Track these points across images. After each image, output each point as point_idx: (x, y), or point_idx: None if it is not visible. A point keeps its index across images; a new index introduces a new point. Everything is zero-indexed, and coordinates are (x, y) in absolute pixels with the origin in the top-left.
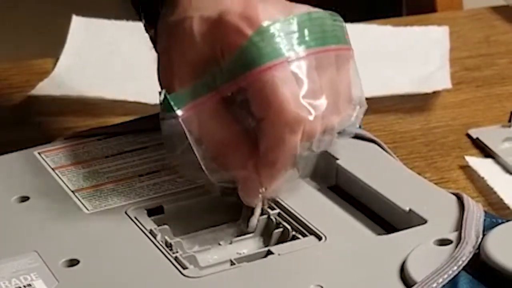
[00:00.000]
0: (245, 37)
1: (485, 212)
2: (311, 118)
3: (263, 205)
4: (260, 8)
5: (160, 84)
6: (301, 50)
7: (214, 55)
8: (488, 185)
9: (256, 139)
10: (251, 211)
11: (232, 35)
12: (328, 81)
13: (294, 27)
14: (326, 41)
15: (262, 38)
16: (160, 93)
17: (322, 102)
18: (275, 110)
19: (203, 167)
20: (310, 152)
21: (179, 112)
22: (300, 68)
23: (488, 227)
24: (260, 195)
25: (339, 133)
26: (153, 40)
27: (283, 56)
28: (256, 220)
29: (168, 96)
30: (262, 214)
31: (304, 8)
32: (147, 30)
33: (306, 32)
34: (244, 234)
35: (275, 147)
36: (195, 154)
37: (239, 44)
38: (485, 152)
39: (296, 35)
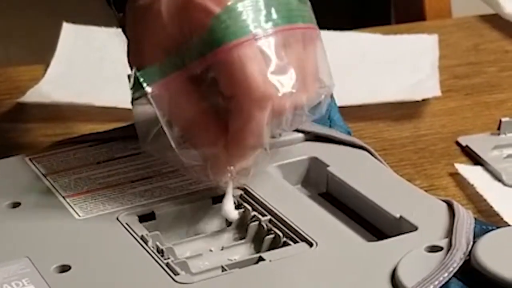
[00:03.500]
0: (212, 16)
1: (475, 219)
2: (279, 94)
3: (234, 187)
4: None
5: (130, 68)
6: (268, 28)
7: (183, 36)
8: (477, 192)
9: (225, 118)
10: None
11: (199, 14)
12: (295, 58)
13: (261, 5)
14: (292, 19)
15: (229, 16)
16: (129, 76)
17: (290, 79)
18: (242, 87)
19: (173, 145)
20: (281, 131)
21: (148, 89)
22: (267, 45)
23: (478, 234)
24: (228, 174)
25: (309, 113)
26: (122, 25)
27: (250, 33)
28: (230, 202)
29: (137, 74)
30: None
31: None
32: (115, 15)
33: (273, 10)
34: (236, 240)
35: (243, 124)
36: (165, 133)
37: (207, 23)
38: (475, 159)
39: (263, 12)
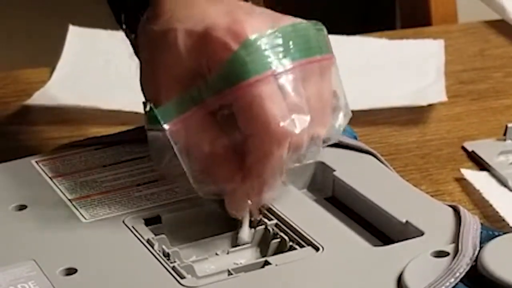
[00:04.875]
0: (231, 52)
1: (482, 224)
2: (297, 131)
3: (251, 217)
4: (245, 22)
5: (144, 94)
6: (286, 63)
7: (200, 70)
8: (483, 197)
9: (242, 152)
10: (240, 223)
11: (218, 50)
12: (313, 92)
13: (279, 40)
14: (310, 52)
15: (248, 53)
16: (144, 104)
17: (308, 115)
18: (262, 125)
19: (190, 180)
20: (297, 164)
21: (166, 126)
22: (286, 81)
23: (484, 239)
24: (246, 208)
25: (324, 142)
26: (134, 45)
27: (269, 70)
28: (246, 232)
29: (155, 110)
30: (252, 225)
31: (289, 20)
32: (127, 34)
33: (291, 44)
34: (242, 245)
35: (262, 160)
36: (182, 167)
37: (226, 59)
38: (481, 165)
39: (281, 48)
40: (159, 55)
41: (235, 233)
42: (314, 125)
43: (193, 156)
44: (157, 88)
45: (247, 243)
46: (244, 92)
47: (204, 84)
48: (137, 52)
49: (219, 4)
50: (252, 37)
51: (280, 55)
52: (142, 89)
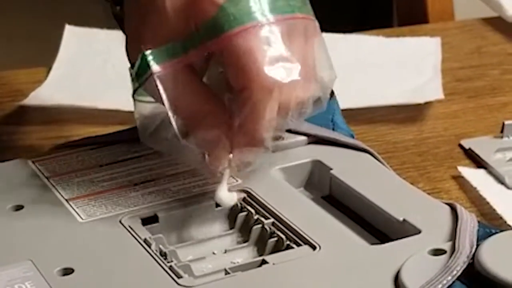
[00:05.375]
0: (217, 7)
1: (479, 222)
2: (285, 81)
3: (229, 173)
4: None
5: (128, 57)
6: (272, 16)
7: (189, 29)
8: (480, 195)
9: (228, 105)
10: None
11: (205, 6)
12: (298, 48)
13: None
14: (295, 9)
15: (233, 4)
16: (130, 69)
17: (295, 67)
18: (251, 74)
19: (175, 128)
20: (284, 128)
21: (155, 68)
22: (271, 33)
23: (482, 237)
24: (227, 162)
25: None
26: (118, 18)
27: (255, 20)
28: (224, 191)
29: (145, 53)
30: (231, 190)
31: None
32: (112, 8)
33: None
34: (239, 244)
35: (252, 111)
36: (167, 123)
37: (212, 13)
38: (478, 162)
39: (265, 2)
40: (146, 21)
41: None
42: (300, 82)
43: (178, 105)
44: (142, 47)
45: (226, 205)
46: (230, 41)
47: (190, 38)
48: (122, 26)
49: None
50: None
51: (265, 8)
52: (128, 56)
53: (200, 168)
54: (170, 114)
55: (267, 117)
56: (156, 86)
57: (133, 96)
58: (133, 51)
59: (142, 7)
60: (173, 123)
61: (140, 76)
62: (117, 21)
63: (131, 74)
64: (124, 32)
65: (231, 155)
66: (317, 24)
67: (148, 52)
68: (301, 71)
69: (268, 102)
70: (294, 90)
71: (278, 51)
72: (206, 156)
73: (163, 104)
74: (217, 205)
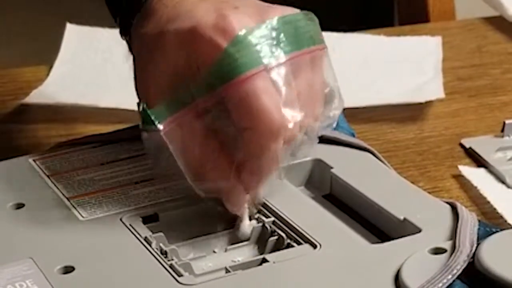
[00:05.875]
0: (220, 50)
1: (479, 221)
2: (291, 125)
3: (249, 211)
4: (232, 17)
5: (138, 96)
6: (277, 57)
7: (189, 69)
8: (481, 194)
9: (232, 148)
10: (240, 218)
11: (206, 48)
12: (304, 84)
13: (269, 33)
14: (301, 44)
15: (238, 49)
16: (138, 104)
17: (300, 108)
18: (258, 119)
19: (188, 179)
20: (293, 158)
21: (160, 127)
22: (278, 75)
23: (482, 236)
24: (245, 203)
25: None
26: (129, 47)
27: (261, 64)
28: (246, 226)
29: (148, 111)
30: (252, 219)
31: (278, 10)
32: (122, 37)
33: (281, 37)
34: (239, 242)
35: (258, 155)
36: (179, 167)
37: (215, 57)
38: (478, 161)
39: (271, 41)
40: (150, 57)
41: (235, 229)
42: (305, 117)
43: (186, 157)
44: (148, 89)
45: (248, 238)
46: (237, 88)
47: (195, 83)
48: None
49: (208, 0)
50: (241, 32)
51: (271, 49)
52: (137, 91)
53: (220, 209)
54: (182, 168)
55: (273, 157)
56: (164, 142)
57: (141, 128)
58: (139, 86)
59: (146, 44)
60: (186, 174)
61: (145, 124)
62: (127, 44)
63: (138, 109)
64: (133, 61)
65: (247, 196)
66: (325, 49)
67: (151, 111)
68: (306, 106)
69: (273, 144)
70: (298, 130)
71: (283, 93)
72: (224, 200)
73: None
74: (218, 203)
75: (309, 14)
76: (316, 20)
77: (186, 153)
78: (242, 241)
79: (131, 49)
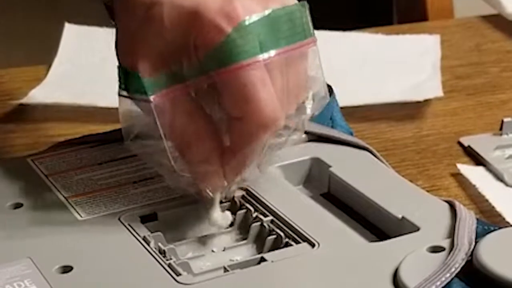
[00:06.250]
0: (223, 34)
1: (478, 219)
2: (283, 119)
3: (221, 197)
4: (237, 3)
5: (119, 59)
6: (275, 49)
7: (186, 46)
8: (479, 192)
9: (219, 131)
10: (211, 204)
11: (210, 31)
12: (293, 77)
13: (270, 24)
14: (296, 37)
15: (240, 35)
16: (120, 67)
17: (290, 101)
18: (252, 109)
19: (168, 154)
20: (277, 150)
21: (152, 98)
22: (274, 67)
23: (480, 234)
24: (221, 188)
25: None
26: (108, 7)
27: (260, 54)
28: (218, 212)
29: (143, 79)
30: (231, 210)
31: (279, 1)
32: None
33: (280, 29)
34: (238, 241)
35: (247, 144)
36: (162, 141)
37: (217, 41)
38: (477, 160)
39: (271, 32)
40: (142, 26)
41: (207, 217)
42: (291, 109)
43: (171, 133)
44: (136, 58)
45: (222, 226)
46: (234, 74)
47: (189, 61)
48: (112, 16)
49: None
50: (245, 21)
51: (269, 40)
52: (117, 55)
53: (186, 188)
54: (165, 142)
55: (260, 147)
56: (153, 113)
57: (118, 93)
58: (124, 53)
59: (134, 10)
60: (168, 150)
61: (134, 92)
62: (107, 9)
63: (118, 72)
64: (113, 20)
65: (224, 181)
66: (315, 41)
67: (146, 79)
68: (294, 93)
69: (262, 135)
70: (288, 121)
71: (277, 85)
72: (200, 181)
73: (157, 130)
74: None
75: (304, 5)
76: (308, 9)
77: (172, 128)
78: (240, 240)
79: (109, 9)
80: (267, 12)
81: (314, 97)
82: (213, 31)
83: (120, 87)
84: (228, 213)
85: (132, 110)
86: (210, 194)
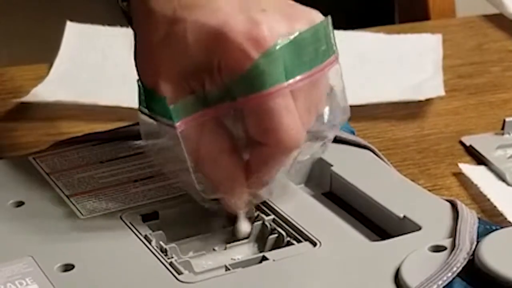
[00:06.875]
0: (250, 60)
1: (479, 219)
2: (304, 145)
3: (247, 212)
4: (263, 25)
5: (137, 71)
6: (300, 73)
7: (209, 65)
8: (481, 192)
9: (242, 150)
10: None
11: (236, 55)
12: (315, 94)
13: (297, 48)
14: (320, 58)
15: (268, 62)
16: (140, 85)
17: (311, 118)
18: (276, 137)
19: (192, 177)
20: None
21: (178, 125)
22: (298, 91)
23: (482, 233)
24: (246, 205)
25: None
26: (125, 12)
27: (285, 81)
28: (244, 224)
29: (170, 107)
30: (250, 219)
31: (304, 15)
32: (119, 3)
33: (305, 51)
34: (239, 240)
35: (269, 167)
36: (186, 165)
37: (244, 67)
38: (478, 159)
39: (297, 56)
40: (164, 43)
41: (233, 228)
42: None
43: (196, 158)
44: (157, 76)
45: (246, 237)
46: (260, 102)
47: (213, 84)
48: (130, 21)
49: None
50: (273, 47)
51: (296, 65)
52: (137, 69)
53: (211, 206)
54: (190, 168)
55: (281, 169)
56: (177, 138)
57: (139, 110)
58: (144, 68)
59: (159, 24)
60: (193, 176)
61: (157, 113)
62: (123, 13)
63: (139, 89)
64: (131, 26)
65: (248, 197)
66: (337, 57)
67: (172, 106)
68: (315, 111)
69: (284, 159)
70: (309, 147)
71: (301, 108)
72: (225, 199)
73: (182, 155)
74: (218, 201)
75: (328, 20)
76: (331, 25)
77: (197, 151)
78: (241, 239)
79: (126, 14)
80: (293, 36)
81: (335, 109)
82: (240, 56)
83: (140, 104)
84: (248, 222)
85: (153, 125)
86: (235, 210)
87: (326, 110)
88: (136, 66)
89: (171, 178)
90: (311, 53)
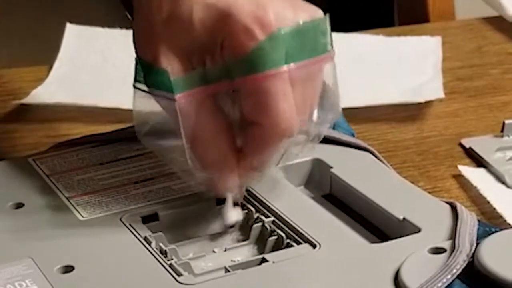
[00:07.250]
0: (255, 41)
1: (479, 221)
2: (296, 129)
3: (235, 197)
4: (270, 8)
5: (136, 48)
6: (298, 61)
7: (212, 44)
8: (480, 194)
9: (236, 133)
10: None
11: (242, 35)
12: (310, 87)
13: (299, 35)
14: (317, 51)
15: (272, 45)
16: (138, 60)
17: (305, 110)
18: (272, 119)
19: (186, 153)
20: (292, 155)
21: (177, 97)
22: (295, 78)
23: (481, 235)
24: (235, 188)
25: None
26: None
27: (285, 65)
28: (231, 211)
29: (171, 78)
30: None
31: (307, 9)
32: None
33: (306, 41)
34: (239, 242)
35: (261, 150)
36: (179, 139)
37: (248, 46)
38: (478, 161)
39: (298, 44)
40: (168, 21)
41: (221, 217)
42: (305, 119)
43: (189, 134)
44: (158, 50)
45: (235, 224)
46: (259, 83)
47: (216, 62)
48: (127, 7)
49: None
50: (278, 31)
51: (295, 52)
52: (135, 47)
53: (198, 186)
54: (184, 141)
55: (275, 153)
56: (175, 112)
57: (134, 86)
58: (145, 45)
59: (164, 3)
60: (187, 152)
61: (155, 87)
62: (122, 1)
63: (136, 64)
64: (130, 14)
65: (238, 181)
66: (333, 54)
67: (174, 78)
68: (310, 105)
69: (277, 143)
70: (300, 143)
71: (297, 96)
72: (215, 181)
73: (176, 128)
74: (218, 203)
75: (326, 18)
76: (329, 23)
77: (192, 128)
78: (241, 241)
79: (126, 3)
80: (297, 24)
81: (327, 107)
82: (245, 35)
83: (136, 79)
84: (239, 208)
85: (147, 103)
86: (224, 192)
87: (318, 106)
88: (134, 43)
89: (159, 157)
90: (312, 44)
